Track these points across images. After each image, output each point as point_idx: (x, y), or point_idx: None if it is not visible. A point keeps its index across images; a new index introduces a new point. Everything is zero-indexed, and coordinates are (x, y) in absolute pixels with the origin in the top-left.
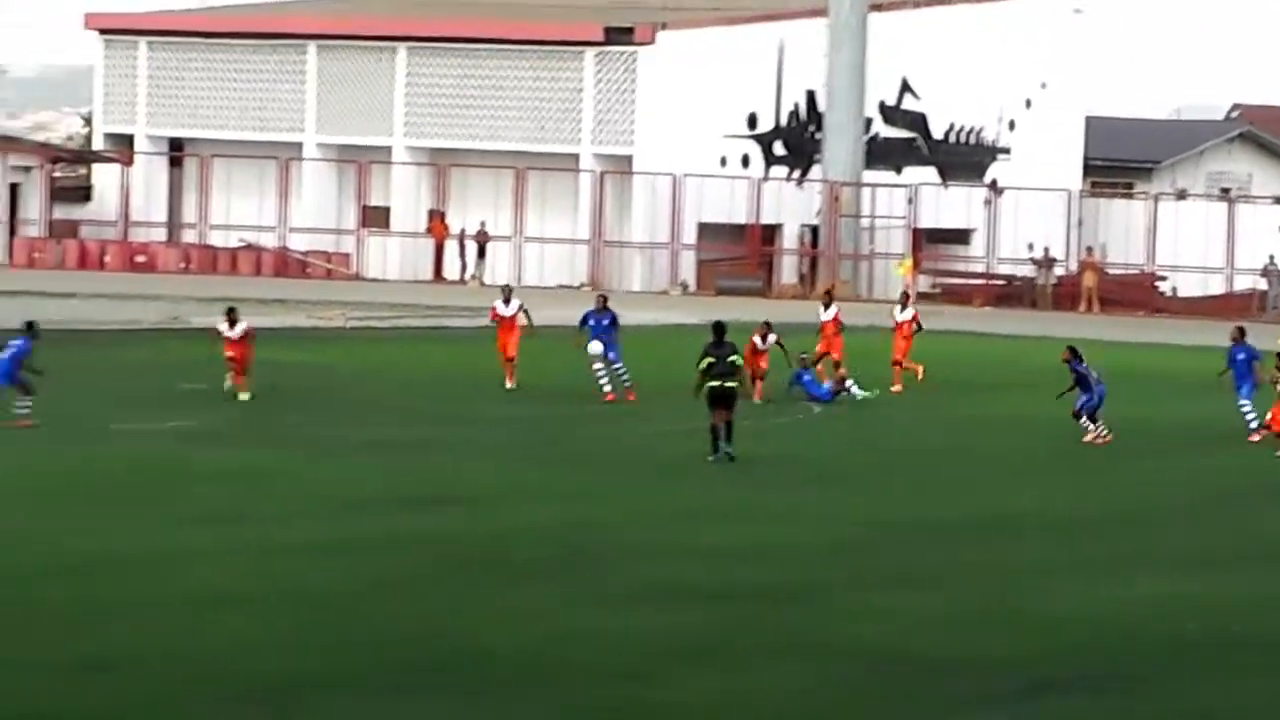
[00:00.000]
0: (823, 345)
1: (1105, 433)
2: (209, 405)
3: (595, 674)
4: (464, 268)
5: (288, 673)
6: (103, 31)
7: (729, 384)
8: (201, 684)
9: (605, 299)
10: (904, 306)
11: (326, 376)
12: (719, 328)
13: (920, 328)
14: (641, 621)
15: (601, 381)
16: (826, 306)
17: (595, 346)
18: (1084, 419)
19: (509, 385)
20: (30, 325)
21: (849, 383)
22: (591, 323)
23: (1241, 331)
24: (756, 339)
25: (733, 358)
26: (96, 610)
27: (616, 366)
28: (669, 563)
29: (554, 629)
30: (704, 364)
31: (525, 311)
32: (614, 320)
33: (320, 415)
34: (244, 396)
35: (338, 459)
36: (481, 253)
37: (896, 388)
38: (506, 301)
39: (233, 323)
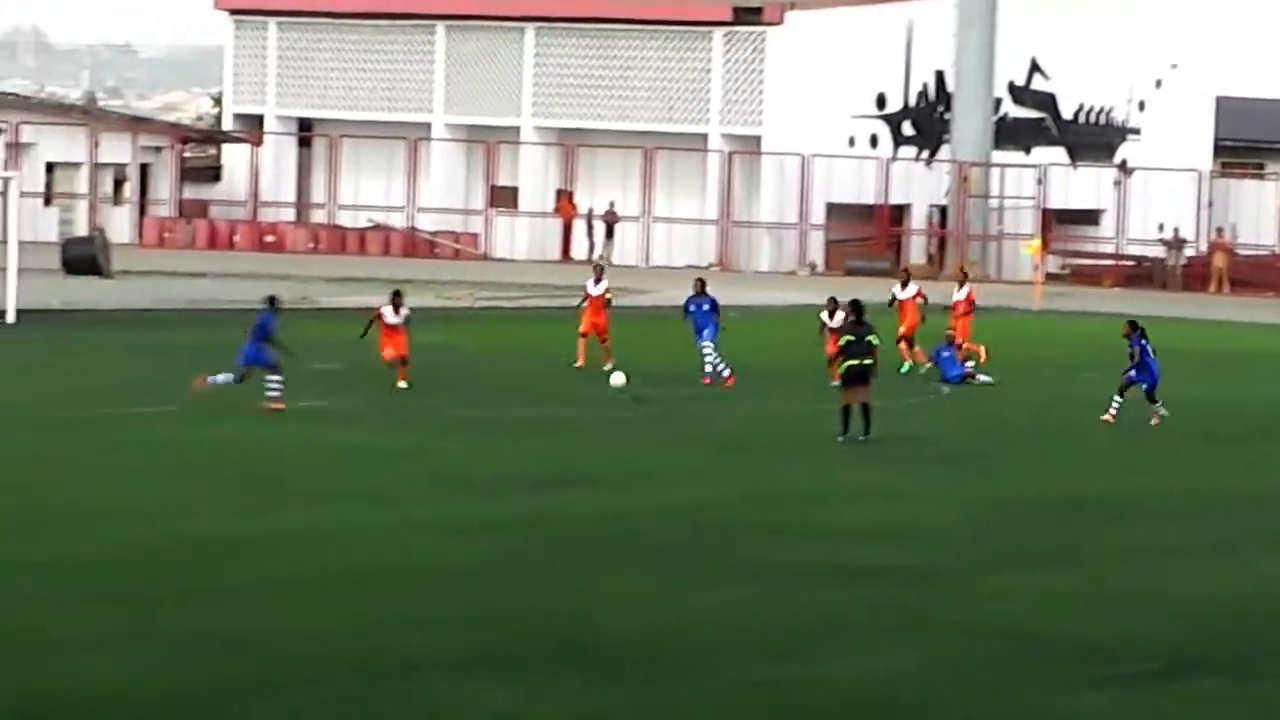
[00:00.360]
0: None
1: (1165, 413)
2: (340, 385)
3: (727, 654)
4: (592, 248)
5: (422, 651)
6: (233, 12)
7: (866, 362)
8: (336, 661)
9: (704, 283)
10: (960, 285)
11: (454, 356)
12: (858, 307)
13: (975, 307)
14: (771, 601)
15: (710, 362)
16: (905, 285)
17: (617, 378)
18: (1156, 402)
19: (579, 364)
20: (272, 300)
21: (969, 364)
22: (692, 309)
23: None
24: (825, 317)
25: (870, 337)
26: (232, 588)
27: (706, 350)
28: (797, 543)
29: (684, 608)
30: (843, 341)
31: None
32: (714, 305)
33: (449, 395)
34: (402, 385)
35: (467, 439)
36: (610, 233)
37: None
38: (597, 281)
39: (397, 307)
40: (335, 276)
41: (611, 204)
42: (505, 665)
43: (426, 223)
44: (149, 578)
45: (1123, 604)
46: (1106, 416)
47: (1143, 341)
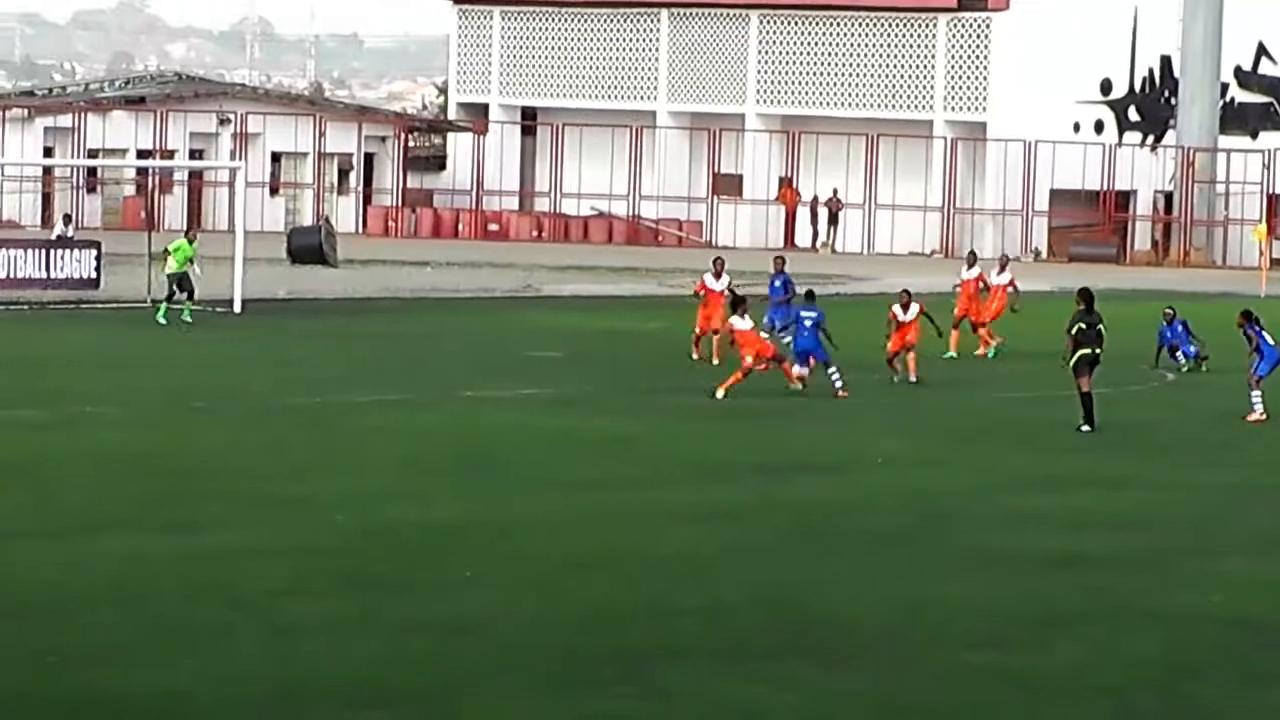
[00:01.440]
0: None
1: (1262, 411)
2: (561, 372)
3: (953, 642)
4: (815, 235)
5: (649, 638)
6: (457, 1)
7: (1097, 351)
8: (561, 648)
9: (783, 260)
10: (1001, 269)
11: (678, 343)
12: (1088, 295)
13: (1017, 291)
14: (996, 589)
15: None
16: (1000, 271)
17: None
18: (1254, 391)
19: (695, 356)
20: (810, 294)
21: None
22: (777, 283)
23: None
24: (898, 309)
25: (1100, 326)
26: (456, 575)
27: (781, 336)
28: (1021, 530)
29: (910, 596)
30: (1075, 330)
31: (732, 290)
32: (787, 284)
33: (674, 381)
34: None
35: (690, 425)
36: (833, 220)
37: (980, 350)
38: (717, 276)
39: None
40: (558, 265)
41: (834, 191)
42: (735, 653)
43: (650, 211)
44: (375, 564)
45: None
46: (1255, 417)
47: (1259, 329)
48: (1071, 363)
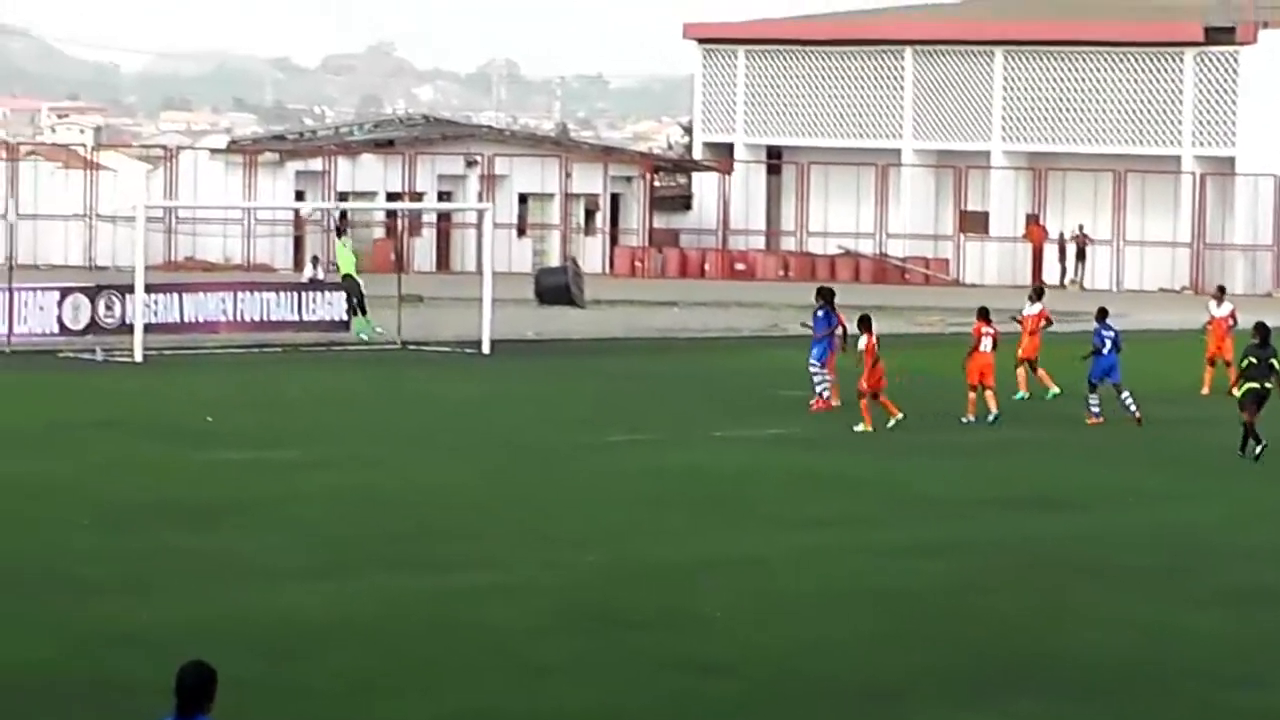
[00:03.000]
0: None
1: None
2: (806, 411)
3: (1199, 678)
4: (1063, 272)
5: (893, 673)
6: (701, 41)
7: (1266, 385)
8: (810, 685)
9: (831, 293)
10: (1032, 301)
11: (925, 381)
12: (1263, 329)
13: (1050, 323)
14: (1247, 626)
15: (819, 386)
16: (1034, 301)
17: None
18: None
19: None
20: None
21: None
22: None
23: None
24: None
25: (1273, 360)
26: (706, 612)
27: (814, 369)
28: (1268, 565)
29: (1155, 631)
30: (1244, 364)
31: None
32: (829, 316)
33: (917, 419)
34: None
35: (930, 462)
36: (1080, 256)
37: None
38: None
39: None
40: (805, 304)
41: (1081, 227)
42: (977, 688)
43: (896, 249)
44: (624, 603)
45: None
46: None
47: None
48: (1239, 395)
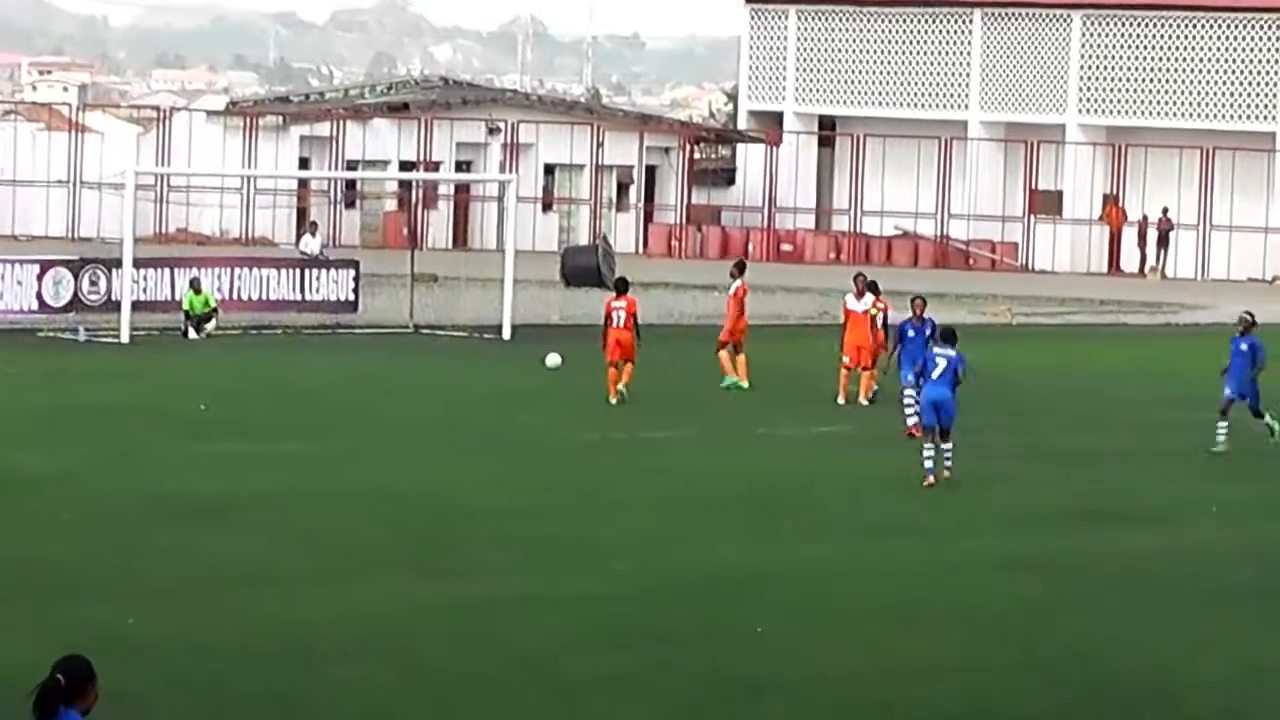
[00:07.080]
0: None
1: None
2: (862, 408)
3: None
4: (1144, 259)
5: (960, 698)
6: (750, 0)
7: None
8: (867, 708)
9: (924, 303)
10: None
11: (991, 377)
12: None
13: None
14: None
15: (908, 414)
16: (860, 296)
17: (552, 359)
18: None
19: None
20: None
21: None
22: (910, 334)
23: None
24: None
25: None
26: (749, 626)
27: (907, 396)
28: None
29: (1252, 659)
30: None
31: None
32: (935, 331)
33: (985, 418)
34: None
35: (1006, 466)
36: (1163, 242)
37: None
38: (859, 296)
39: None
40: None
41: (1164, 210)
42: (1055, 711)
43: (959, 230)
44: (658, 615)
45: None
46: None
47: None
48: None
